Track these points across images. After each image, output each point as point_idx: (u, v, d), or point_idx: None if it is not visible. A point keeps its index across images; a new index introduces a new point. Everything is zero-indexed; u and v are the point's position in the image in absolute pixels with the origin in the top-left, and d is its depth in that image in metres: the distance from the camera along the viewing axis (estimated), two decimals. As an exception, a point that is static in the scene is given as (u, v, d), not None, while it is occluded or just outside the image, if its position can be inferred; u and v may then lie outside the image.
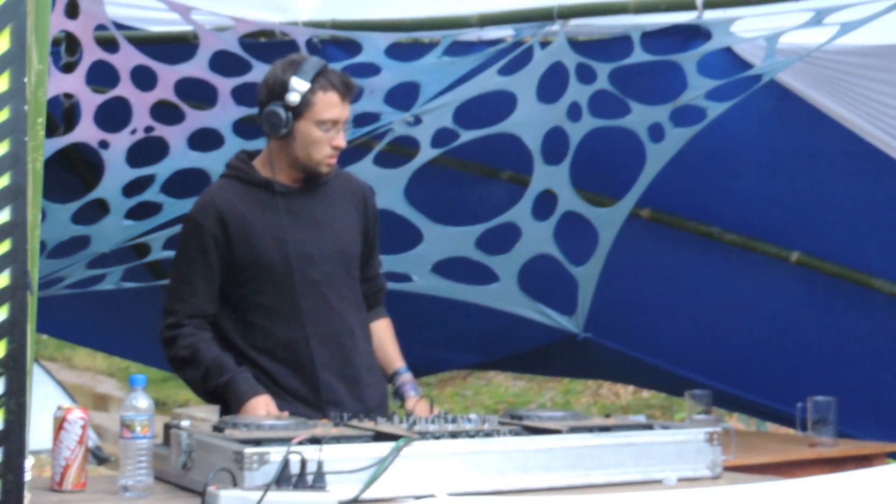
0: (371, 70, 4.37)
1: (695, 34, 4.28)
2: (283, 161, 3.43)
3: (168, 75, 4.30)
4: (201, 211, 3.43)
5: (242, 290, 3.41)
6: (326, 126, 3.35)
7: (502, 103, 4.60)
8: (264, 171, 3.45)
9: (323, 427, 2.87)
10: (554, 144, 4.76)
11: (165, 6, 4.17)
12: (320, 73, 3.35)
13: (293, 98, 3.32)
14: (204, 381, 3.37)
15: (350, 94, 3.39)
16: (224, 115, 4.48)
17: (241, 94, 4.42)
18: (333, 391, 3.41)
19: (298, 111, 3.34)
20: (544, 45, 4.41)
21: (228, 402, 3.35)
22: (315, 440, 2.64)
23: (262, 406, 3.26)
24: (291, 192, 3.44)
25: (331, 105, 3.35)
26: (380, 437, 2.78)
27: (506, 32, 4.41)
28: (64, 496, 2.74)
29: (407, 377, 3.54)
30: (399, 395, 3.51)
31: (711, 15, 4.10)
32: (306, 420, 2.96)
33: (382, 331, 3.63)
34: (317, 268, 3.42)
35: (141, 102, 4.33)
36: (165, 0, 4.14)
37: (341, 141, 3.39)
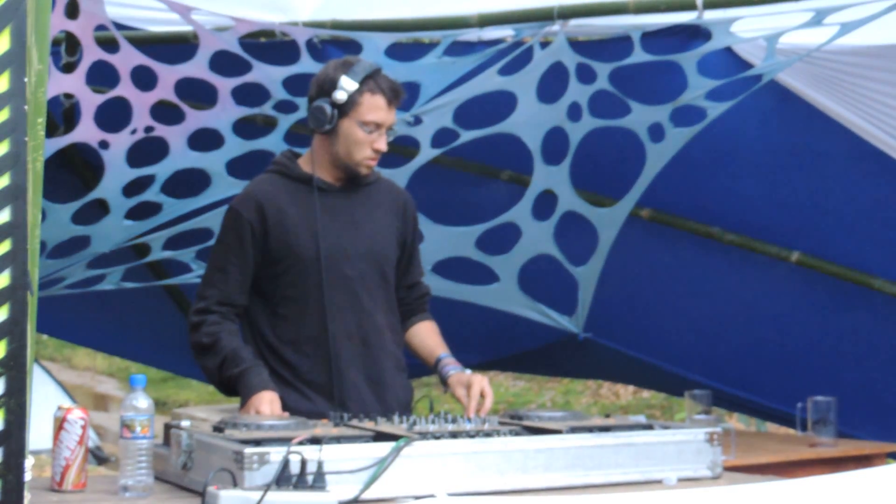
0: (371, 70, 4.37)
1: (695, 34, 4.28)
2: (325, 159, 3.47)
3: (168, 75, 4.30)
4: (242, 201, 3.47)
5: (275, 282, 3.44)
6: (370, 128, 3.39)
7: (502, 103, 4.60)
8: (307, 168, 3.49)
9: (323, 427, 2.87)
10: (554, 144, 4.76)
11: (165, 6, 4.17)
12: (370, 76, 3.40)
13: (340, 96, 3.37)
14: (220, 370, 3.38)
15: (398, 100, 3.44)
16: (224, 115, 4.49)
17: (241, 94, 4.43)
18: (357, 390, 3.43)
19: (344, 109, 3.39)
20: (544, 45, 4.41)
21: (240, 394, 3.36)
22: (315, 440, 2.64)
23: (266, 402, 3.26)
24: (331, 190, 3.48)
25: (376, 108, 3.39)
26: (380, 437, 2.78)
27: (506, 32, 4.41)
28: (64, 496, 2.74)
29: (448, 360, 3.51)
30: (443, 380, 3.49)
31: (711, 15, 4.09)
32: (306, 420, 2.96)
33: (426, 328, 3.63)
34: (350, 265, 3.45)
35: (141, 102, 4.34)
36: (165, 0, 4.14)
37: (383, 145, 3.43)
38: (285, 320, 3.44)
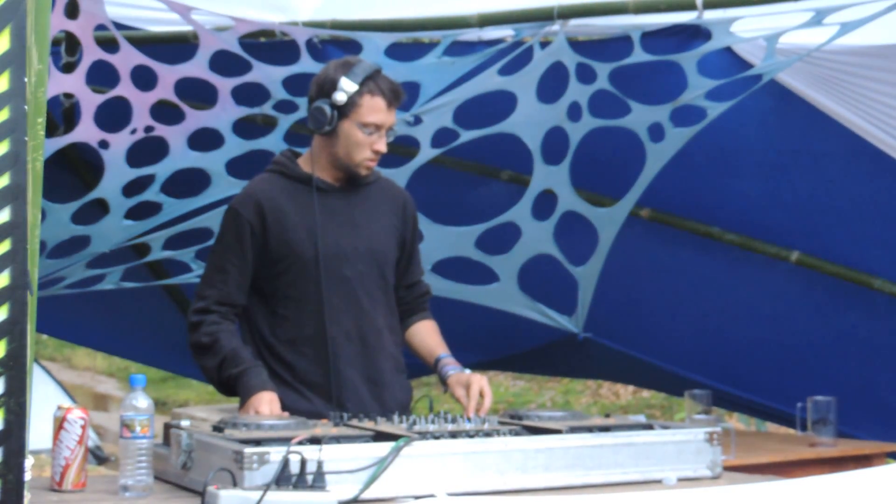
0: (371, 70, 4.37)
1: (695, 34, 4.28)
2: (325, 159, 3.46)
3: (168, 75, 4.30)
4: (242, 201, 3.47)
5: (275, 282, 3.44)
6: (369, 129, 3.39)
7: (502, 103, 4.60)
8: (307, 167, 3.49)
9: (323, 427, 2.87)
10: (554, 144, 4.76)
11: (165, 6, 4.17)
12: (370, 77, 3.39)
13: (340, 97, 3.36)
14: (219, 370, 3.38)
15: (398, 101, 3.43)
16: (224, 115, 4.49)
17: (241, 94, 4.43)
18: (355, 390, 3.43)
19: (344, 111, 3.38)
20: (544, 45, 4.41)
21: (239, 394, 3.36)
22: (315, 440, 2.64)
23: (266, 402, 3.26)
24: (331, 190, 3.48)
25: (376, 109, 3.38)
26: (380, 437, 2.78)
27: (506, 32, 4.42)
28: (64, 496, 2.74)
29: (447, 360, 3.51)
30: (442, 380, 3.49)
31: (711, 15, 4.10)
32: (306, 420, 2.97)
33: (426, 327, 3.63)
34: (349, 265, 3.45)
35: (141, 102, 4.34)
36: (165, 0, 4.14)
37: (382, 146, 3.42)
38: (284, 320, 3.44)
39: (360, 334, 3.46)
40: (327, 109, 3.38)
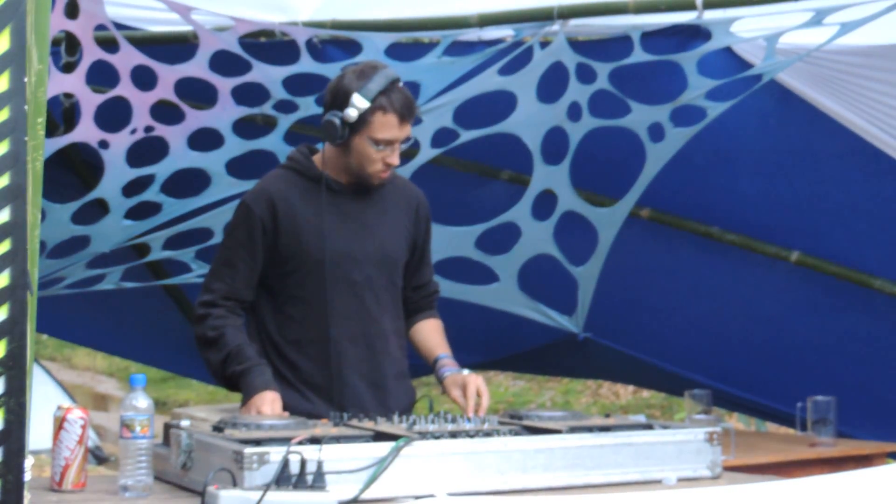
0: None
1: (695, 34, 4.28)
2: (338, 165, 3.44)
3: (168, 75, 4.30)
4: (255, 197, 3.45)
5: (283, 281, 3.43)
6: (381, 145, 3.35)
7: (502, 103, 4.60)
8: (322, 167, 3.46)
9: (323, 427, 2.87)
10: (554, 144, 4.76)
11: (165, 6, 4.17)
12: (383, 93, 3.32)
13: (351, 114, 3.32)
14: (223, 365, 3.37)
15: (411, 116, 3.38)
16: (224, 114, 4.49)
17: (241, 94, 4.43)
18: (358, 394, 3.42)
19: (355, 127, 3.34)
20: (544, 45, 4.42)
21: (242, 392, 3.35)
22: (315, 440, 2.64)
23: (268, 402, 3.25)
24: (344, 192, 3.45)
25: (388, 126, 3.34)
26: (380, 437, 2.78)
27: (506, 32, 4.42)
28: (64, 496, 2.74)
29: (446, 361, 3.50)
30: (439, 381, 3.48)
31: (711, 15, 4.10)
32: (306, 420, 2.97)
33: (429, 326, 3.61)
34: (358, 269, 3.43)
35: (141, 102, 4.34)
36: (165, 0, 4.14)
37: (395, 159, 3.39)
38: (291, 320, 3.44)
39: (367, 339, 3.45)
40: (338, 124, 3.33)
